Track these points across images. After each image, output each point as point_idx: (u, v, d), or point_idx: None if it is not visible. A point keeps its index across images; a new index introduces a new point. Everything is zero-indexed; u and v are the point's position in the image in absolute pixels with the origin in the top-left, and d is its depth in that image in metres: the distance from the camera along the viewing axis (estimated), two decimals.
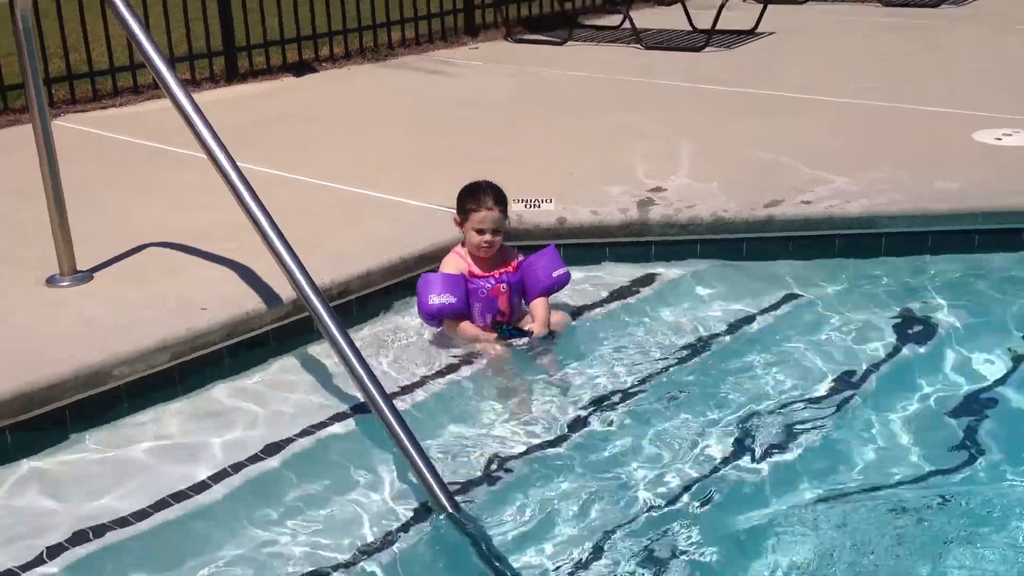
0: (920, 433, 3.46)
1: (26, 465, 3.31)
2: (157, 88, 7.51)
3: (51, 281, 4.13)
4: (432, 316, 3.98)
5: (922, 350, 4.01)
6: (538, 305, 4.10)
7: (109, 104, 7.44)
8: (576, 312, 4.33)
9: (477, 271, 4.05)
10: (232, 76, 8.17)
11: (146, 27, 3.66)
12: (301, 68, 8.52)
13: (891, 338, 4.08)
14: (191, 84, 7.70)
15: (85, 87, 7.56)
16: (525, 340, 3.98)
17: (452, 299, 3.92)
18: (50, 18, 7.69)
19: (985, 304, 4.31)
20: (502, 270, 4.07)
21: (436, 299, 3.91)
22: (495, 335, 4.00)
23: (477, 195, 4.02)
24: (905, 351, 4.00)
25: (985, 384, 3.75)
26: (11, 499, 3.18)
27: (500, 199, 4.02)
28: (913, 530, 2.97)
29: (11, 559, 2.90)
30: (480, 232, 3.98)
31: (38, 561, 2.90)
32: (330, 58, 8.83)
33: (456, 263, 4.06)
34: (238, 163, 3.57)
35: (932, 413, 3.58)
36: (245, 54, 8.35)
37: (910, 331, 4.13)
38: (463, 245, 4.11)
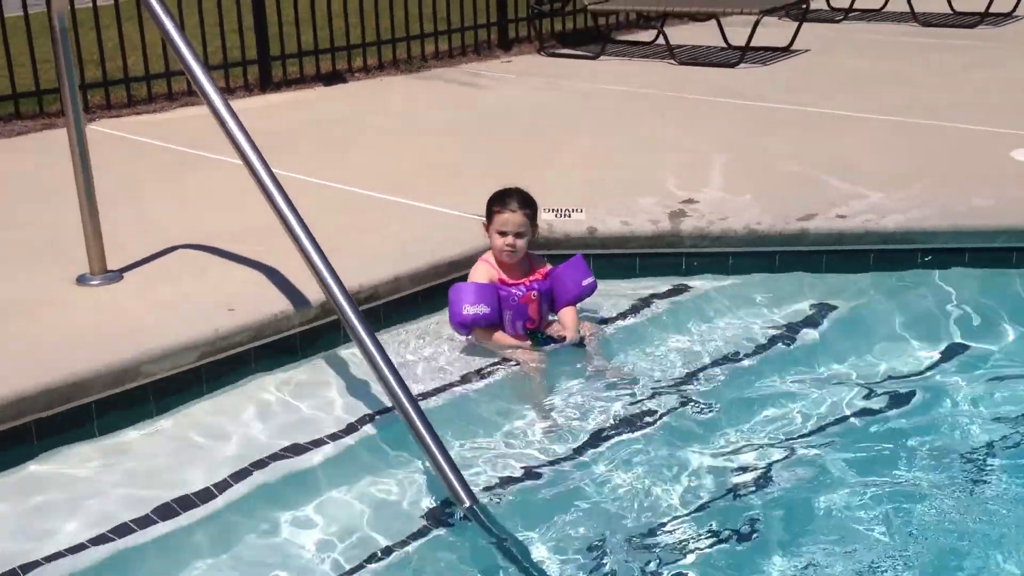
0: (955, 451, 3.39)
1: (50, 460, 3.31)
2: (191, 95, 7.60)
3: (81, 280, 4.14)
4: (465, 326, 3.95)
5: (956, 367, 3.94)
6: (567, 313, 4.08)
7: (144, 110, 7.50)
8: (606, 322, 4.30)
9: (507, 279, 4.02)
10: (266, 85, 8.21)
11: (183, 32, 3.68)
12: (334, 78, 8.56)
13: (924, 354, 4.02)
14: (225, 92, 7.73)
15: (120, 93, 7.62)
16: (557, 347, 3.95)
17: (486, 309, 3.89)
18: (87, 27, 7.80)
19: (1021, 321, 4.23)
20: (532, 278, 4.05)
21: (470, 309, 3.88)
22: (530, 343, 3.97)
23: (503, 198, 4.02)
24: (938, 367, 3.94)
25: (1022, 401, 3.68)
26: (35, 493, 3.17)
27: (526, 204, 4.01)
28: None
29: (31, 554, 2.89)
30: (502, 234, 3.96)
31: (56, 556, 2.89)
32: (363, 68, 8.86)
33: (487, 271, 4.04)
34: (270, 168, 3.58)
35: (967, 429, 3.51)
36: (279, 64, 8.40)
37: (944, 347, 4.07)
38: (492, 253, 4.09)
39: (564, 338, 3.98)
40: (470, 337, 4.05)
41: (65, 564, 2.87)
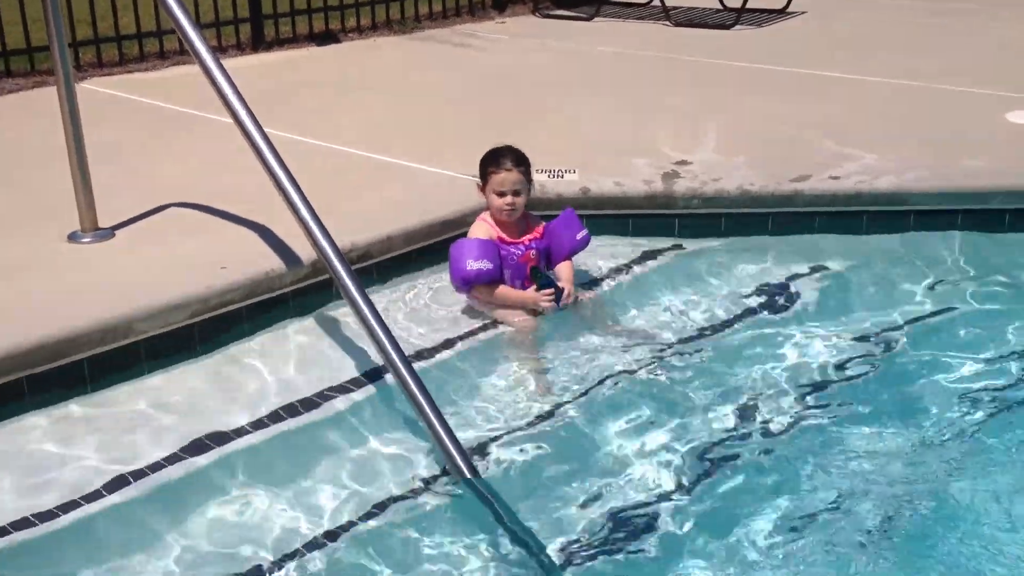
0: (945, 415, 3.40)
1: (42, 416, 3.32)
2: (183, 54, 7.54)
3: (72, 237, 4.13)
4: (468, 282, 3.92)
5: (947, 328, 3.94)
6: (564, 268, 4.11)
7: (135, 68, 7.44)
8: (599, 283, 4.30)
9: (507, 237, 4.02)
10: (258, 44, 8.15)
11: None
12: (326, 38, 8.49)
13: (917, 315, 4.03)
14: (217, 50, 7.61)
15: (112, 51, 7.56)
16: (556, 305, 3.95)
17: (488, 264, 3.88)
18: None
19: (1014, 284, 4.24)
20: (531, 236, 4.05)
21: (473, 264, 3.86)
22: (534, 287, 3.97)
23: (497, 158, 4.00)
24: (931, 329, 3.95)
25: (1013, 364, 3.68)
26: (27, 447, 3.18)
27: (520, 161, 3.99)
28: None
29: (24, 508, 2.90)
30: (501, 195, 3.95)
31: (50, 516, 2.90)
32: (356, 29, 8.79)
33: (486, 230, 4.03)
34: (262, 127, 3.56)
35: (957, 393, 3.52)
36: (271, 22, 8.33)
37: (936, 309, 4.07)
38: (489, 212, 4.08)
39: (564, 289, 3.97)
40: (471, 296, 4.03)
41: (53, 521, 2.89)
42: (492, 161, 4.00)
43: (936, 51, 7.68)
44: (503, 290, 3.97)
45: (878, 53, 7.63)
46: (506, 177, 3.95)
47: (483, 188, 4.05)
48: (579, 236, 4.11)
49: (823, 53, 7.69)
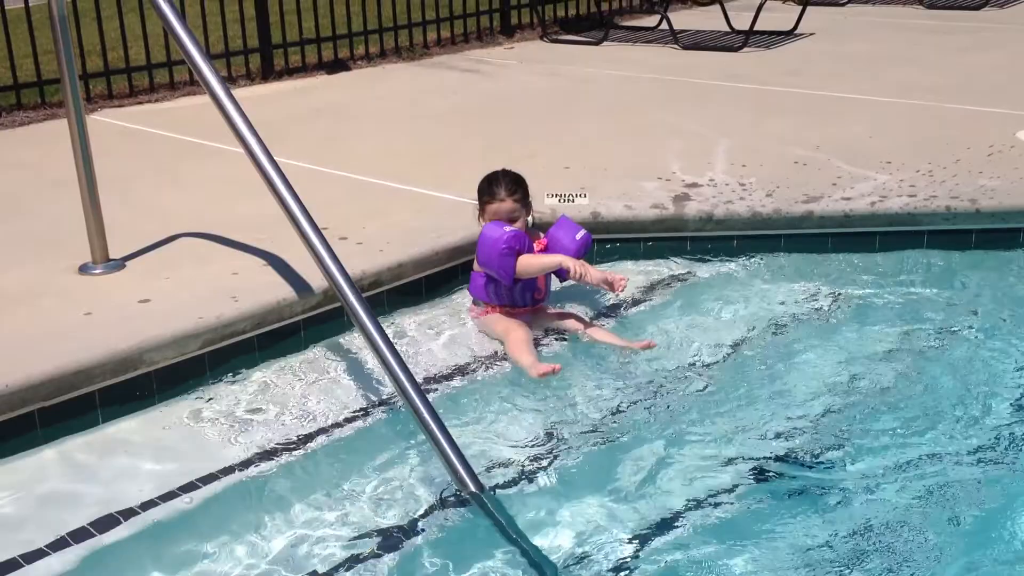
0: (963, 433, 3.37)
1: (53, 449, 3.31)
2: (192, 84, 7.59)
3: (84, 269, 4.13)
4: (511, 248, 3.82)
5: (962, 349, 3.91)
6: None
7: (145, 100, 7.47)
8: (611, 307, 4.28)
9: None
10: (268, 74, 8.19)
11: (184, 22, 3.66)
12: (336, 66, 8.52)
13: (932, 337, 3.99)
14: (227, 80, 7.70)
15: (122, 83, 7.60)
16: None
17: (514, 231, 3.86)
18: (88, 18, 7.78)
19: None
20: (536, 250, 4.03)
21: (507, 228, 3.84)
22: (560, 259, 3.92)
23: (491, 186, 4.00)
24: (946, 349, 3.91)
25: None
26: (37, 483, 3.17)
27: (515, 187, 3.98)
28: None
29: (36, 542, 2.88)
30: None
31: (62, 544, 2.88)
32: (365, 56, 8.82)
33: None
34: (273, 156, 3.56)
35: (974, 411, 3.49)
36: (281, 52, 8.37)
37: (951, 330, 4.04)
38: None
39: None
40: (478, 319, 4.03)
41: (66, 553, 2.87)
42: (486, 192, 4.01)
43: (947, 70, 7.67)
44: (527, 259, 3.89)
45: (888, 73, 7.62)
46: (499, 208, 3.96)
47: (481, 217, 4.06)
48: (578, 236, 4.09)
49: (833, 74, 7.68)
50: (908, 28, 9.66)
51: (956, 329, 4.04)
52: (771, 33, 9.21)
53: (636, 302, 4.33)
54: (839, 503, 3.03)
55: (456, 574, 2.78)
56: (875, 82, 7.26)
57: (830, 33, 9.37)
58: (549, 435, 3.40)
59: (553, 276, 4.12)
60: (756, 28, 8.84)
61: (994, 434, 3.35)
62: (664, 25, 9.45)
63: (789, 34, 9.27)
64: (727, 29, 9.31)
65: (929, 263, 4.53)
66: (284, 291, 3.89)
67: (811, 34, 9.27)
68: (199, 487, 3.13)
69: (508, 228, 3.88)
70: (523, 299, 4.03)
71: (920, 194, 4.75)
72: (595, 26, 9.98)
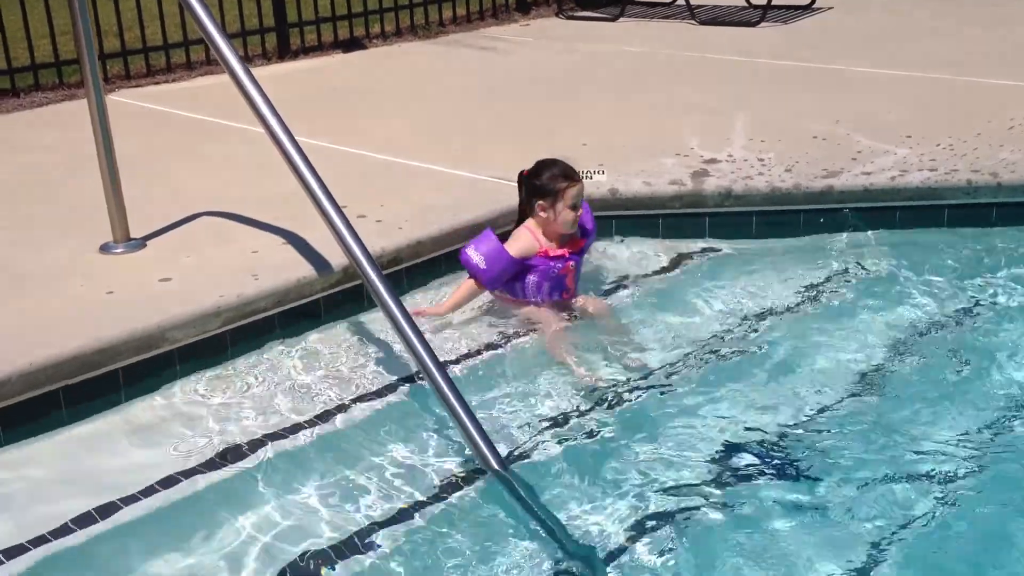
0: (983, 410, 3.35)
1: (78, 428, 3.33)
2: (209, 64, 7.59)
3: (105, 248, 4.15)
4: (467, 260, 3.89)
5: (983, 324, 3.89)
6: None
7: (163, 79, 7.49)
8: (629, 284, 4.27)
9: (551, 251, 3.95)
10: (284, 53, 8.19)
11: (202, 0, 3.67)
12: (351, 45, 8.51)
13: (952, 312, 3.97)
14: (244, 60, 7.70)
15: (139, 63, 7.62)
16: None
17: (483, 265, 3.86)
18: None
19: None
20: (571, 249, 4.00)
21: (475, 256, 3.87)
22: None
23: (566, 172, 3.90)
24: (966, 325, 3.89)
25: None
26: (62, 461, 3.20)
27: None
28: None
29: (59, 518, 2.91)
30: (575, 208, 3.88)
31: (89, 520, 2.91)
32: (380, 35, 8.81)
33: (531, 243, 3.94)
34: (292, 134, 3.56)
35: (992, 387, 3.47)
36: (297, 31, 8.36)
37: (973, 305, 4.02)
38: (536, 224, 3.96)
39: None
40: (499, 296, 4.03)
41: (91, 530, 2.90)
42: (561, 176, 3.88)
43: (967, 43, 7.60)
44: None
45: (907, 45, 7.56)
46: (580, 189, 3.89)
47: (549, 205, 3.90)
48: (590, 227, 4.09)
49: (851, 47, 7.63)
50: (928, 1, 9.56)
51: (981, 305, 4.01)
52: (789, 7, 9.15)
53: (654, 280, 4.32)
54: (857, 487, 3.03)
55: (479, 549, 2.79)
56: (895, 55, 7.21)
57: (849, 6, 9.30)
58: (570, 413, 3.40)
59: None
60: (774, 3, 8.78)
61: (1012, 413, 3.33)
62: (680, 0, 9.39)
63: (807, 8, 9.20)
64: (744, 4, 9.26)
65: (951, 237, 4.50)
66: (304, 269, 3.90)
67: (830, 8, 9.20)
68: (220, 465, 3.15)
69: (481, 253, 3.86)
70: (550, 297, 4.00)
71: (941, 168, 4.72)
72: (611, 2, 9.93)
